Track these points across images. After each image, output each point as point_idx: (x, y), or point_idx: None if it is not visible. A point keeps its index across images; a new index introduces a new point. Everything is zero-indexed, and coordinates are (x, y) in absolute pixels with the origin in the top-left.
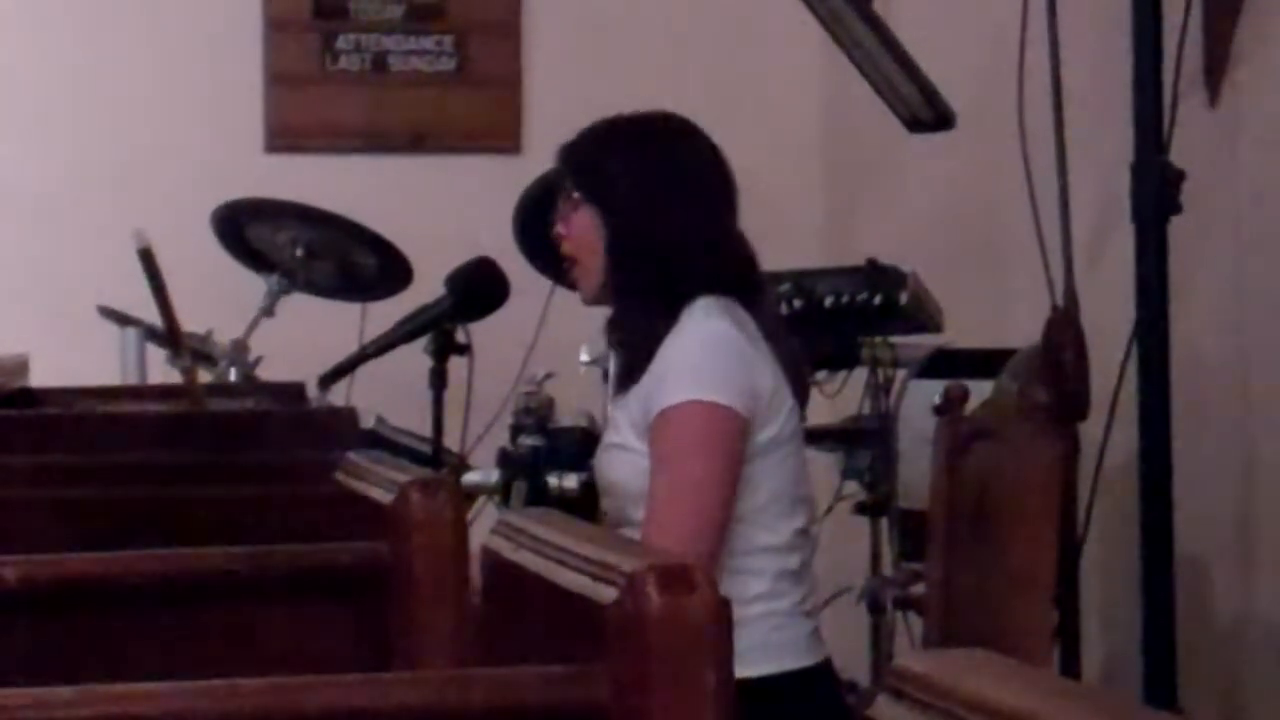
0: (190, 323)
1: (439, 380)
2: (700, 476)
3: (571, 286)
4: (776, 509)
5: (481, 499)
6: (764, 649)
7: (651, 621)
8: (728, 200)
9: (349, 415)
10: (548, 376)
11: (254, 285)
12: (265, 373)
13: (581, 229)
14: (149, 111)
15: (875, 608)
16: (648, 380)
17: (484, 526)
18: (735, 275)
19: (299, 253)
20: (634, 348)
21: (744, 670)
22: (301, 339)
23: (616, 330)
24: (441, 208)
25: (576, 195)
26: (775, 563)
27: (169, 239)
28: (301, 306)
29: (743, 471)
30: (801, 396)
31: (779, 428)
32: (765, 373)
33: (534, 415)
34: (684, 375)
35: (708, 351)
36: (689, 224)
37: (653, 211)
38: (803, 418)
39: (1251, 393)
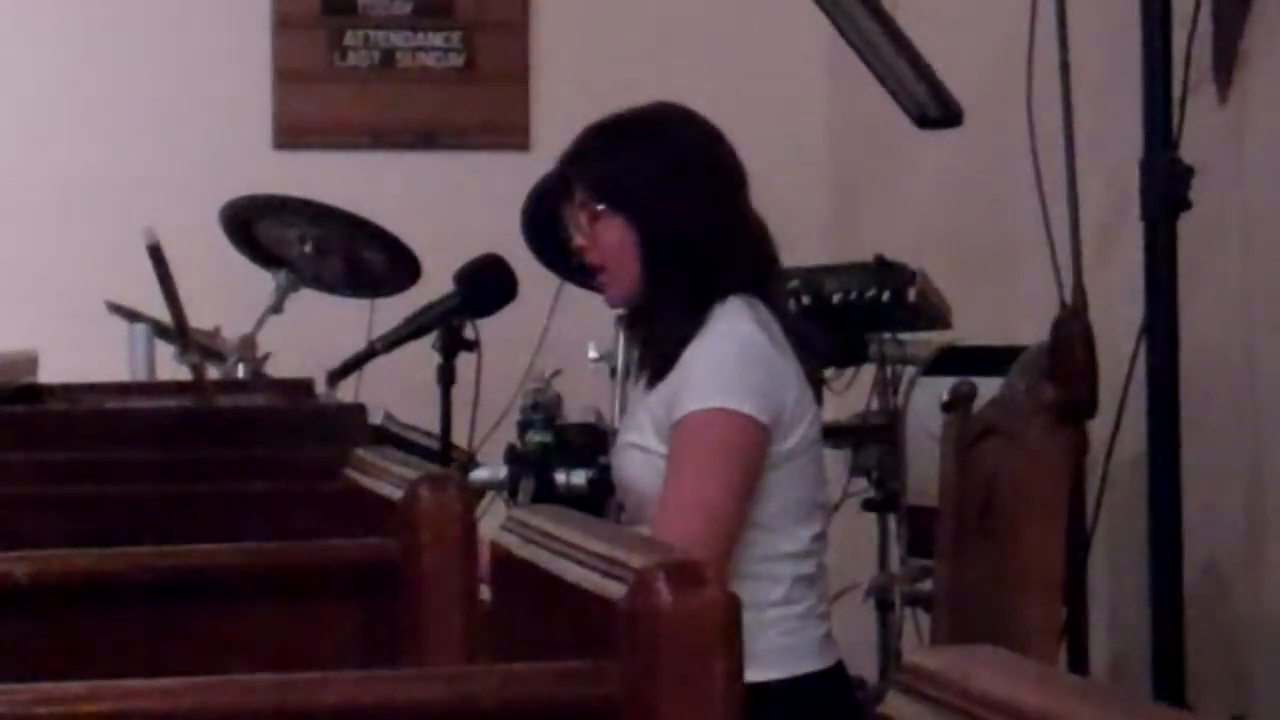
0: (199, 319)
1: (447, 376)
2: (714, 487)
3: (586, 285)
4: (796, 516)
5: (489, 495)
6: (778, 652)
7: (661, 618)
8: (742, 184)
9: (357, 411)
10: (556, 373)
11: (262, 281)
12: (273, 369)
13: (610, 239)
14: (158, 108)
15: (883, 604)
16: (673, 382)
17: (492, 523)
18: (763, 265)
19: (307, 249)
20: (663, 346)
21: (757, 674)
22: (310, 335)
23: (643, 327)
24: (450, 204)
25: (600, 207)
26: (792, 569)
27: (177, 235)
28: (310, 303)
29: (764, 479)
30: (817, 392)
31: (801, 436)
32: (790, 380)
33: (542, 411)
34: (709, 381)
35: (735, 358)
36: (716, 215)
37: (680, 208)
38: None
39: (1260, 390)
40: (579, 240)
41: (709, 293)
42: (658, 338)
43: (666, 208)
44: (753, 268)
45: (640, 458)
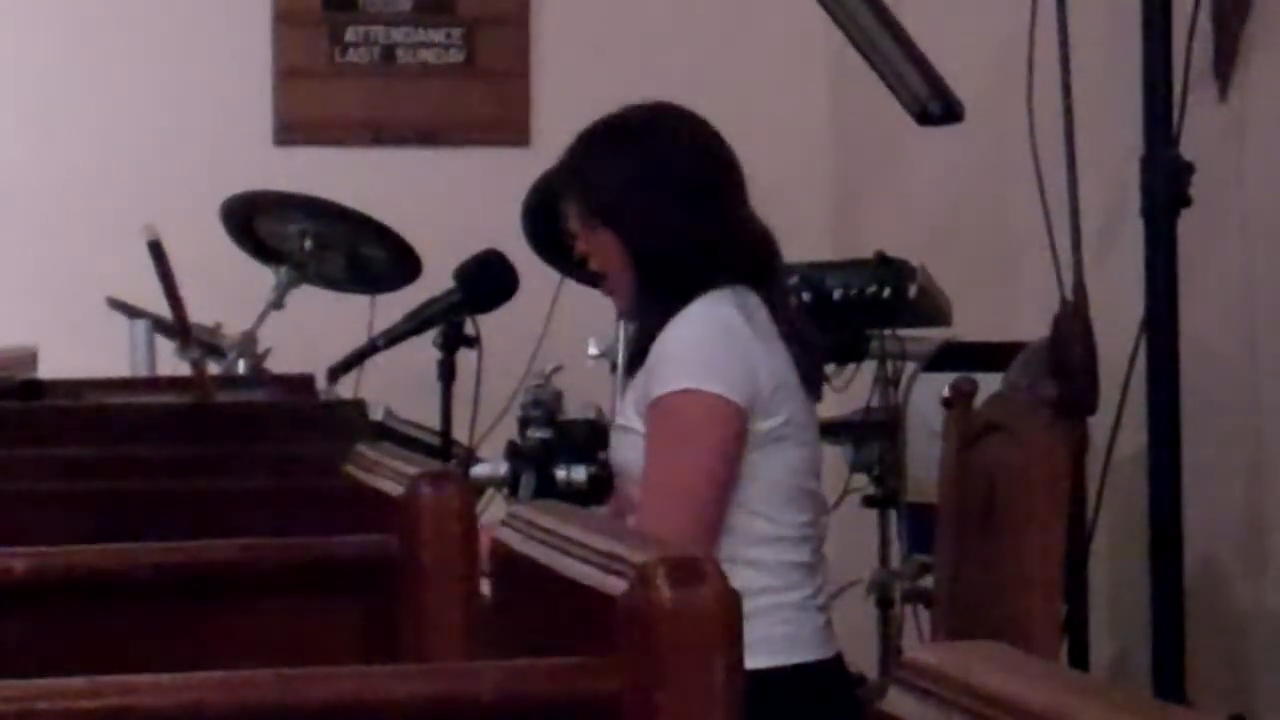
0: (199, 315)
1: (447, 372)
2: (693, 470)
3: (586, 281)
4: (777, 500)
5: (490, 491)
6: (773, 641)
7: (661, 613)
8: (735, 182)
9: (358, 407)
10: (556, 369)
11: (263, 277)
12: (274, 365)
13: (605, 250)
14: (158, 104)
15: (884, 601)
16: (650, 361)
17: (492, 519)
18: (754, 261)
19: (308, 245)
20: (644, 333)
21: (753, 662)
22: (310, 331)
23: (631, 316)
24: (450, 200)
25: (595, 221)
26: (780, 554)
27: (178, 231)
28: (310, 299)
29: (745, 459)
30: (815, 387)
31: (782, 419)
32: (768, 362)
33: (542, 408)
34: (680, 362)
35: (706, 338)
36: (706, 222)
37: (669, 222)
38: (817, 397)
39: (1261, 386)
40: (580, 247)
41: (694, 288)
42: (642, 328)
43: (655, 223)
44: (745, 268)
45: (628, 438)
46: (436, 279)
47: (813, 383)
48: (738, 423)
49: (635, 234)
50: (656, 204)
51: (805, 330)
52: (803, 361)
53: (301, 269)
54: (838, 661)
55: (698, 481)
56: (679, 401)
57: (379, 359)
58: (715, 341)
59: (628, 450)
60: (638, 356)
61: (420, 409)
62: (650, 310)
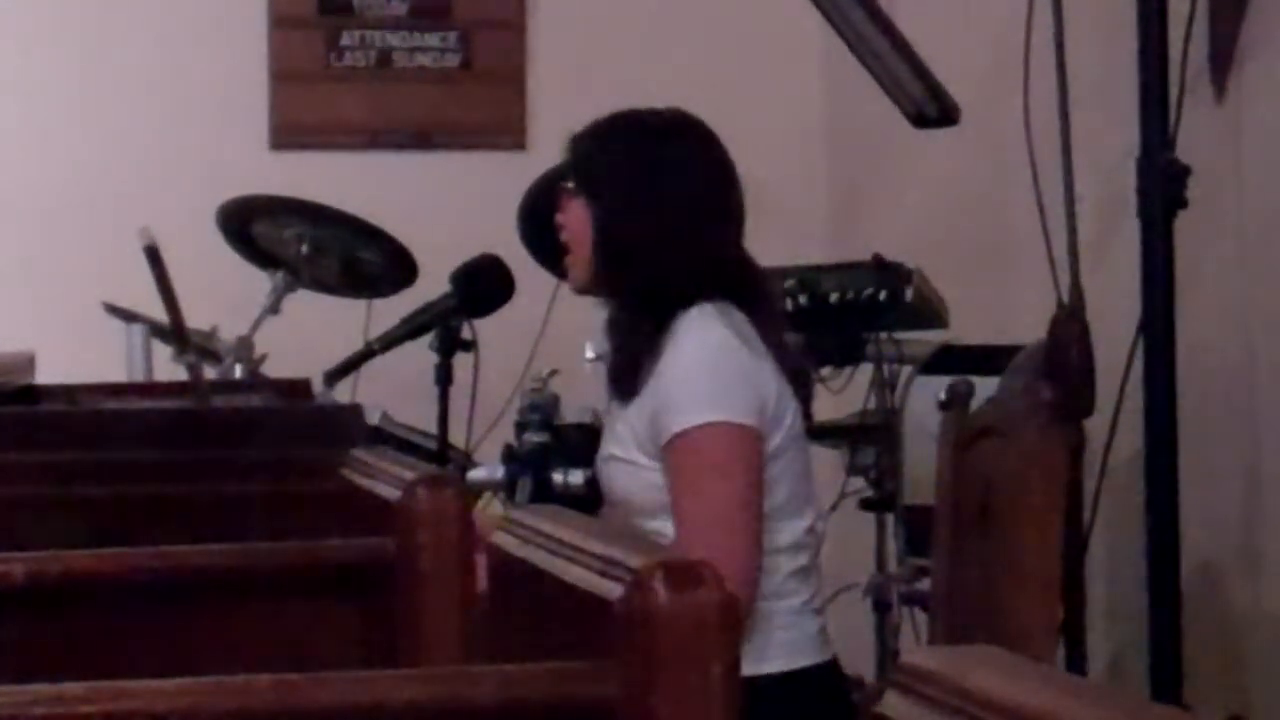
0: (196, 319)
1: (444, 377)
2: (730, 501)
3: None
4: (788, 510)
5: (487, 495)
6: (772, 647)
7: (659, 617)
8: (724, 203)
9: (354, 412)
10: (553, 373)
11: (259, 282)
12: (271, 369)
13: (574, 219)
14: (154, 109)
15: (881, 604)
16: (650, 394)
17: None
18: (726, 281)
19: (304, 249)
20: (627, 357)
21: (752, 668)
22: (307, 336)
23: (612, 335)
24: (446, 204)
25: (571, 185)
26: (787, 562)
27: (174, 236)
28: (307, 303)
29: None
30: (804, 396)
31: (784, 433)
32: (768, 380)
33: (539, 411)
34: (694, 395)
35: (713, 366)
36: (674, 225)
37: (637, 209)
38: (809, 415)
39: (1257, 388)
40: (558, 218)
41: (665, 300)
42: (622, 348)
43: (625, 209)
44: (715, 281)
45: (626, 470)
46: (433, 283)
47: (802, 397)
48: (759, 447)
49: (604, 207)
50: (637, 190)
51: (790, 342)
52: (790, 373)
53: (298, 273)
54: (834, 666)
55: (737, 512)
56: (701, 435)
57: (376, 363)
58: (720, 368)
59: (627, 480)
60: (623, 381)
61: (417, 413)
62: (629, 326)
